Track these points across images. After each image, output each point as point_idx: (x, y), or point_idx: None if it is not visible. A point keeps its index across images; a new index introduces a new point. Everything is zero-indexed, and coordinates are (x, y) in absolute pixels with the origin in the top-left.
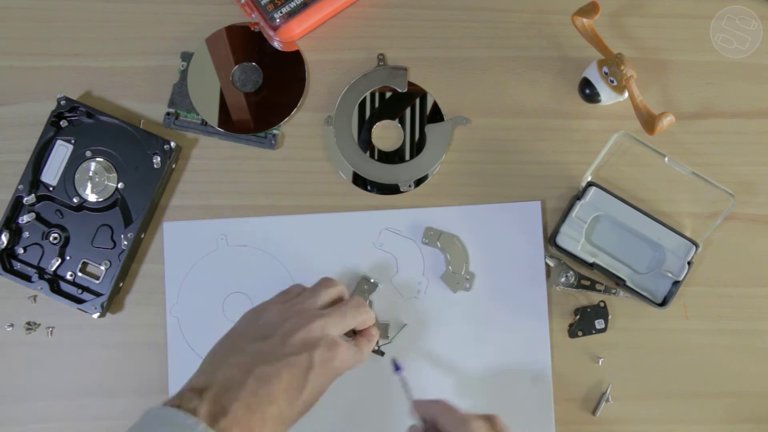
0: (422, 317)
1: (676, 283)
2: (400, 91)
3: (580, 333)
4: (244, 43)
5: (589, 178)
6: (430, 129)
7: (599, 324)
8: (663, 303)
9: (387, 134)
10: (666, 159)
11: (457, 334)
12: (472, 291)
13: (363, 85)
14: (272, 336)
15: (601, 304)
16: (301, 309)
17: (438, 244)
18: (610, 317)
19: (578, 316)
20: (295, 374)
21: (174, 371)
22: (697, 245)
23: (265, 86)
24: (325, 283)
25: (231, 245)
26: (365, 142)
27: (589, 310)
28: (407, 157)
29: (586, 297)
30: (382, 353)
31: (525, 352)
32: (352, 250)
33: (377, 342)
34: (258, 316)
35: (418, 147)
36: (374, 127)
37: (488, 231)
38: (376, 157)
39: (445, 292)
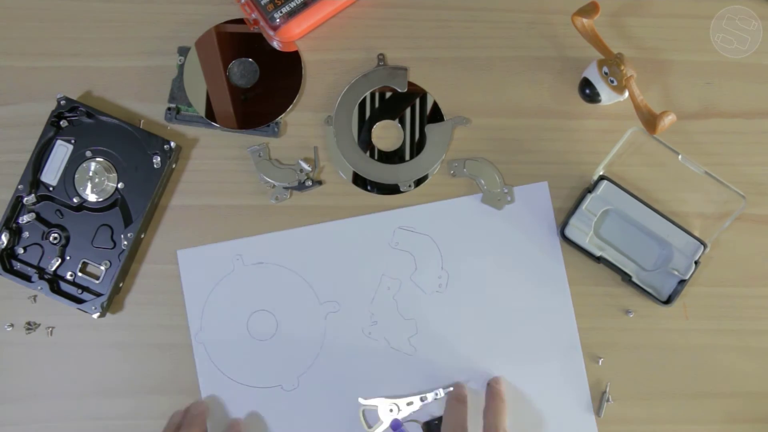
0: (446, 310)
1: (681, 282)
2: (400, 91)
3: None
4: (242, 41)
5: (602, 172)
6: (430, 129)
7: None
8: (668, 301)
9: (387, 134)
10: (680, 157)
11: (483, 323)
12: (493, 278)
13: (363, 85)
14: None
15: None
16: None
17: (465, 171)
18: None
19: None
20: None
21: (208, 396)
22: (705, 245)
23: (261, 84)
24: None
25: (247, 264)
26: (365, 142)
27: (436, 422)
28: (407, 157)
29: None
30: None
31: (552, 326)
32: (369, 253)
33: None
34: None
35: (418, 147)
36: (374, 127)
37: (500, 215)
38: (376, 157)
39: (467, 284)
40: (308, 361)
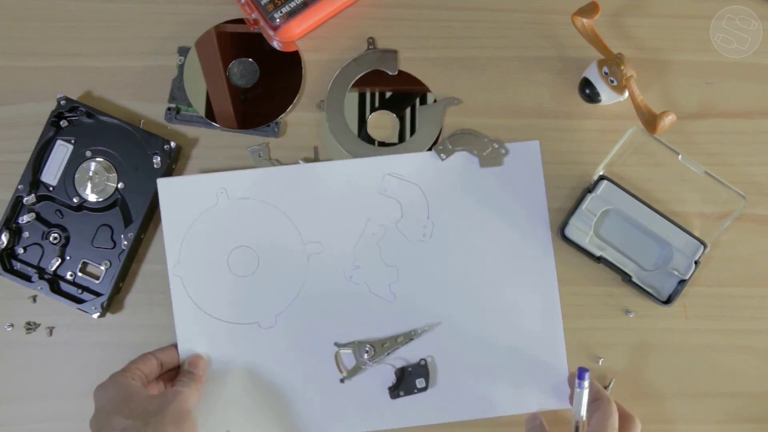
0: (429, 260)
1: (681, 282)
2: (390, 73)
3: (401, 393)
4: (242, 41)
5: (602, 172)
6: (422, 111)
7: (420, 383)
8: (668, 301)
9: (382, 123)
10: (680, 157)
11: (465, 275)
12: (478, 232)
13: (353, 69)
14: None
15: (422, 362)
16: None
17: (451, 147)
18: (430, 375)
19: (399, 377)
20: None
21: (182, 331)
22: (705, 245)
23: (261, 84)
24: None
25: (232, 198)
26: (358, 125)
27: (410, 369)
28: (400, 140)
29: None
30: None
31: (533, 286)
32: (356, 197)
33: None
34: None
35: (411, 130)
36: (369, 117)
37: (488, 172)
38: (369, 141)
39: (452, 235)
40: (287, 300)
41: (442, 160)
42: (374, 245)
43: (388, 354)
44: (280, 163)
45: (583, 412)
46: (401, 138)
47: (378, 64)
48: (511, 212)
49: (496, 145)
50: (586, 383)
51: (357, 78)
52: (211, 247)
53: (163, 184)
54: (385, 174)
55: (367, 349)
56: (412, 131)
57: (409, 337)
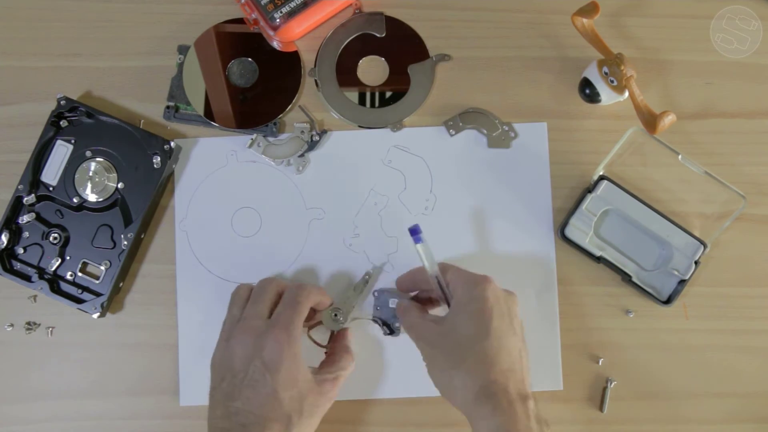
0: (430, 233)
1: (681, 282)
2: (378, 36)
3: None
4: (242, 41)
5: (602, 172)
6: (413, 69)
7: (385, 330)
8: (668, 301)
9: (372, 68)
10: (680, 157)
11: (463, 250)
12: (479, 211)
13: (341, 35)
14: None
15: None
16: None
17: (461, 125)
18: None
19: (382, 323)
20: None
21: (182, 286)
22: (705, 245)
23: (261, 84)
24: (261, 288)
25: (241, 161)
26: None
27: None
28: (392, 100)
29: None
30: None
31: (531, 266)
32: (361, 166)
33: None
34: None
35: (402, 89)
36: (360, 62)
37: (497, 153)
38: (361, 103)
39: (453, 211)
40: (286, 263)
41: (451, 136)
42: (376, 215)
43: (355, 307)
44: (281, 140)
45: (436, 267)
46: (396, 98)
47: (365, 27)
48: (514, 195)
49: (506, 128)
50: (422, 235)
51: (346, 43)
52: (217, 205)
53: (179, 143)
54: (391, 146)
55: (335, 313)
56: (405, 90)
57: (364, 282)
